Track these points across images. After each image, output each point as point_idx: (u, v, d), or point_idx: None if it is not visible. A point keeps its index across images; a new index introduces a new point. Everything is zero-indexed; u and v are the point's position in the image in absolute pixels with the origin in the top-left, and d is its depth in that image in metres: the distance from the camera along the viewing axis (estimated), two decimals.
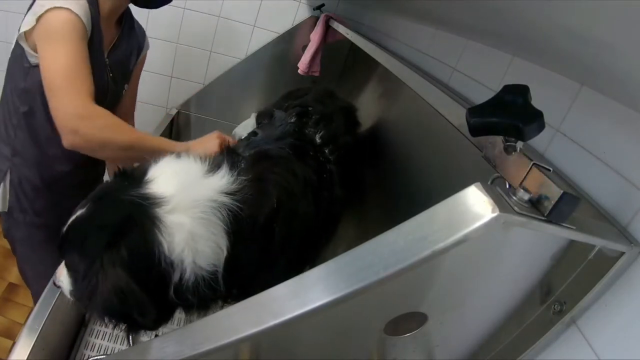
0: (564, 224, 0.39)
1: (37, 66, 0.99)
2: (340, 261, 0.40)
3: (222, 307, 0.76)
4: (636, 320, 0.45)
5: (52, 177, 1.16)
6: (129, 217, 0.60)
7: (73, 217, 0.64)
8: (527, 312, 0.54)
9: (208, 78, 1.91)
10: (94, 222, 0.62)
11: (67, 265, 0.67)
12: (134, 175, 0.67)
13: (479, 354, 0.60)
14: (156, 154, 0.82)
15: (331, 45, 1.69)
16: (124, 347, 0.98)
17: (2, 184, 1.14)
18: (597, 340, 0.48)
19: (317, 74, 1.70)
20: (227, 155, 0.77)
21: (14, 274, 2.16)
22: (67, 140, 0.91)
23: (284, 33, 1.79)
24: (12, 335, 1.87)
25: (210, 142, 0.99)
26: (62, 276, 0.70)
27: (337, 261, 0.40)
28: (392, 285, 0.38)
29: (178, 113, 1.95)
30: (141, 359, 0.53)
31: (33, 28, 0.95)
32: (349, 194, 1.07)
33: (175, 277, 0.60)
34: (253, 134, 1.00)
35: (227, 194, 0.66)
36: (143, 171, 0.68)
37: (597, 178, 0.54)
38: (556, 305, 0.51)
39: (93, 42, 1.01)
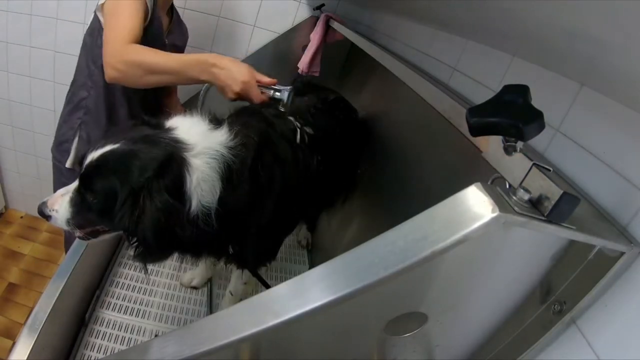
0: (564, 224, 0.39)
1: None
2: (340, 261, 0.40)
3: (223, 266, 0.89)
4: (636, 320, 0.45)
5: None
6: (171, 154, 0.74)
7: (105, 149, 0.74)
8: (527, 312, 0.55)
9: None
10: (139, 156, 0.73)
11: (90, 191, 0.74)
12: (157, 125, 0.82)
13: (479, 354, 0.60)
14: (199, 67, 1.01)
15: (331, 45, 1.68)
16: (124, 347, 0.99)
17: (74, 140, 1.28)
18: (597, 340, 0.48)
19: (317, 74, 1.70)
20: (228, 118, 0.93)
21: (14, 274, 2.17)
22: (107, 76, 1.05)
23: (284, 33, 1.79)
24: (12, 335, 1.87)
25: (238, 73, 1.04)
26: (58, 205, 0.77)
27: (337, 261, 0.40)
28: (392, 285, 0.38)
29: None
30: (141, 359, 0.53)
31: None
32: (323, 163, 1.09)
33: (187, 207, 0.74)
34: None
35: (227, 147, 0.81)
36: (162, 122, 0.83)
37: (597, 178, 0.53)
38: (556, 305, 0.51)
39: (153, 26, 1.17)
